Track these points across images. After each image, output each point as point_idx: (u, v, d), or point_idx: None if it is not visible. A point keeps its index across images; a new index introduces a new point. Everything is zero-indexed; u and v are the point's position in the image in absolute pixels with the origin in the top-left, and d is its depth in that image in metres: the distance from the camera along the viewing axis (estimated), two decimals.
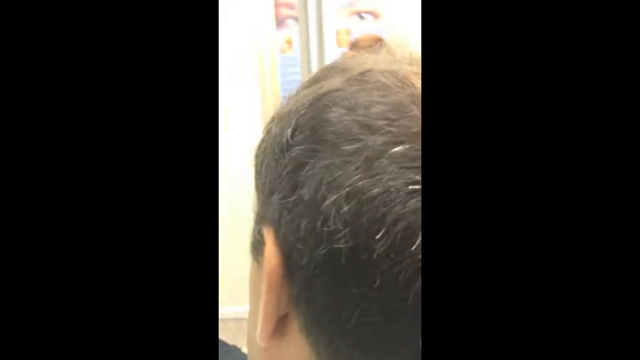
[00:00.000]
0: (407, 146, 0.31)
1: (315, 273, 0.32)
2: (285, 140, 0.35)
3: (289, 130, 0.34)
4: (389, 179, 0.31)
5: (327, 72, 0.37)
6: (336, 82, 0.35)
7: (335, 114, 0.33)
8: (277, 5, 2.47)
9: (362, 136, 0.32)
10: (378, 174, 0.31)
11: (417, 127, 0.32)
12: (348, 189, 0.31)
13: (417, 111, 0.32)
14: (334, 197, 0.31)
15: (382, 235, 0.30)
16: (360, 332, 0.32)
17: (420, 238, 0.30)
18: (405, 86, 0.33)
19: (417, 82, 0.33)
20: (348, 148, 0.32)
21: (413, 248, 0.30)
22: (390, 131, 0.32)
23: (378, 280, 0.30)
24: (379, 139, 0.31)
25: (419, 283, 0.30)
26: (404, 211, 0.30)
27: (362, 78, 0.35)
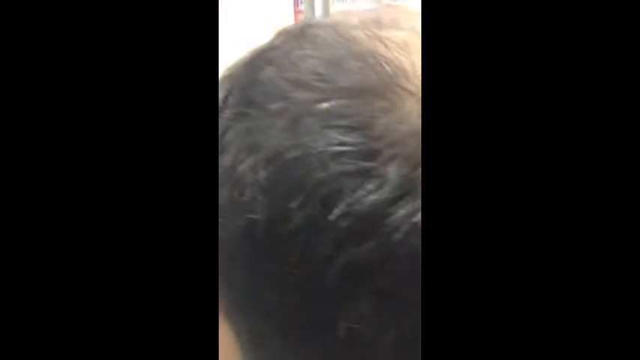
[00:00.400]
0: (333, 103, 0.28)
1: (234, 249, 0.29)
2: (218, 106, 0.32)
3: (222, 95, 0.32)
4: (310, 140, 0.28)
5: (276, 34, 0.34)
6: (276, 41, 0.32)
7: (266, 72, 0.30)
8: (297, 12, 2.48)
9: (289, 94, 0.29)
10: (299, 134, 0.28)
11: (348, 82, 0.28)
12: (267, 152, 0.28)
13: (354, 66, 0.29)
14: (252, 162, 0.28)
15: (300, 204, 0.27)
16: (279, 315, 0.29)
17: (339, 208, 0.27)
18: (345, 41, 0.30)
19: (364, 38, 0.30)
20: (273, 107, 0.29)
21: (332, 218, 0.27)
22: (317, 87, 0.28)
23: (295, 256, 0.27)
24: (305, 96, 0.28)
25: (338, 259, 0.27)
26: (324, 175, 0.27)
27: (301, 34, 0.32)
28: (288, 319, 0.29)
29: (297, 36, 0.32)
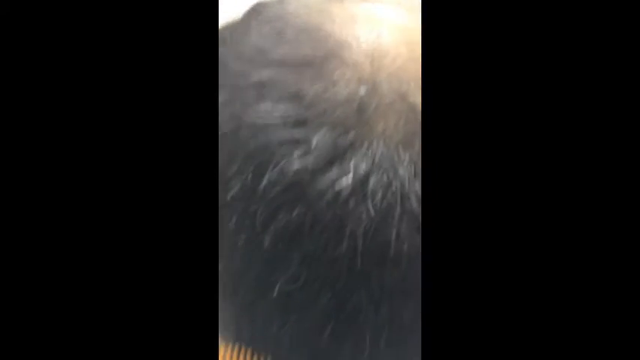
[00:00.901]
0: (266, 75, 0.29)
1: None
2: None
3: None
4: (243, 112, 0.29)
5: None
6: (233, 19, 0.34)
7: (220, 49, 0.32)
8: None
9: (229, 69, 0.30)
10: (235, 107, 0.29)
11: (282, 54, 0.30)
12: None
13: (291, 38, 0.30)
14: None
15: (235, 174, 0.29)
16: (227, 280, 0.30)
17: (268, 177, 0.28)
18: (288, 15, 0.32)
19: (309, 12, 0.31)
20: (220, 81, 0.30)
21: (262, 186, 0.28)
22: (254, 60, 0.30)
23: (234, 223, 0.29)
24: (243, 69, 0.30)
25: (272, 225, 0.28)
26: (254, 146, 0.28)
27: (251, 10, 0.33)
28: (232, 283, 0.30)
29: (248, 13, 0.33)
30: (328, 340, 0.29)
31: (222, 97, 0.30)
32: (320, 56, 0.29)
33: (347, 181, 0.28)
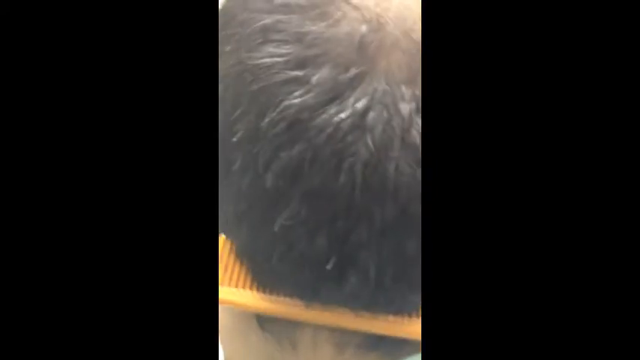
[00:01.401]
0: (269, 20, 0.30)
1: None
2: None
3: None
4: (247, 56, 0.30)
5: None
6: None
7: (230, 3, 0.33)
8: None
9: (237, 18, 0.31)
10: (240, 53, 0.30)
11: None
12: (222, 71, 0.31)
13: None
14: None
15: (240, 116, 0.29)
16: (238, 224, 0.31)
17: (270, 116, 0.29)
18: None
19: None
20: (227, 32, 0.31)
21: (264, 126, 0.29)
22: (260, 7, 0.31)
23: (239, 164, 0.30)
24: (248, 16, 0.31)
25: (274, 164, 0.29)
26: (257, 87, 0.29)
27: None
28: (243, 224, 0.31)
29: None
30: (332, 274, 0.30)
31: (229, 46, 0.31)
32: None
33: (346, 115, 0.28)
